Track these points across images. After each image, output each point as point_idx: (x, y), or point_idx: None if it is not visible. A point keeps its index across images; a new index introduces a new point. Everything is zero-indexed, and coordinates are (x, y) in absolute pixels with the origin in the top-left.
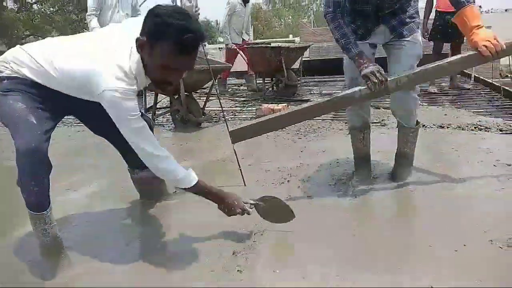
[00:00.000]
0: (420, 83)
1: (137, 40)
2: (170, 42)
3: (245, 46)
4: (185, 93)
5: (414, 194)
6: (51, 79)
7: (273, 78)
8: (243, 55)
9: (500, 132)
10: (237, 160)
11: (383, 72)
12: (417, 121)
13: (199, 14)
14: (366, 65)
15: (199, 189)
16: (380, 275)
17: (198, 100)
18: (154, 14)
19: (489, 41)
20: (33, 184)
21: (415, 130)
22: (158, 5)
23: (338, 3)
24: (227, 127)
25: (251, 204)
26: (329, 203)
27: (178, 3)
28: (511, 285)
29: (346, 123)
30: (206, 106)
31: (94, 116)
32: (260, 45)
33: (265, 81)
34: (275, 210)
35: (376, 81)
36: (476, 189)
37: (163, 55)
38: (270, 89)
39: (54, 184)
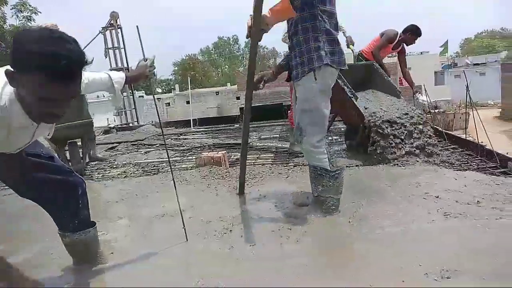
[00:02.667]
0: None
1: (6, 73)
2: (38, 72)
3: None
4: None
5: (352, 232)
6: None
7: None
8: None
9: (426, 164)
10: (182, 218)
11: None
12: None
13: (154, 73)
14: None
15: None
16: None
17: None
18: (18, 43)
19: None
20: None
21: (320, 171)
22: (22, 31)
23: None
24: (173, 178)
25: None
26: (271, 249)
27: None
28: None
29: (285, 166)
30: (147, 157)
31: (13, 177)
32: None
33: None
34: None
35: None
36: (409, 223)
37: (35, 86)
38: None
39: None
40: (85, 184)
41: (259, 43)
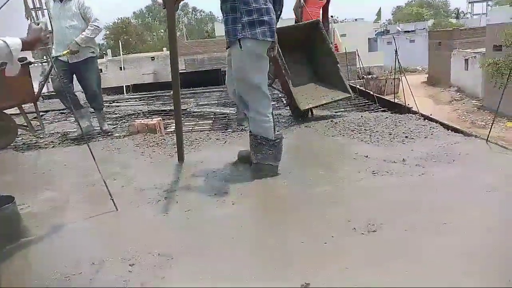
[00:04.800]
0: None
1: None
2: None
3: None
4: None
5: (286, 193)
6: None
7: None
8: None
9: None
10: (106, 186)
11: None
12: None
13: (48, 37)
14: None
15: None
16: (258, 281)
17: None
18: None
19: None
20: None
21: (260, 139)
22: None
23: None
24: (90, 151)
25: None
26: (207, 214)
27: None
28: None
29: (223, 132)
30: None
31: None
32: None
33: None
34: None
35: None
36: (339, 182)
37: None
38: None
39: None
40: None
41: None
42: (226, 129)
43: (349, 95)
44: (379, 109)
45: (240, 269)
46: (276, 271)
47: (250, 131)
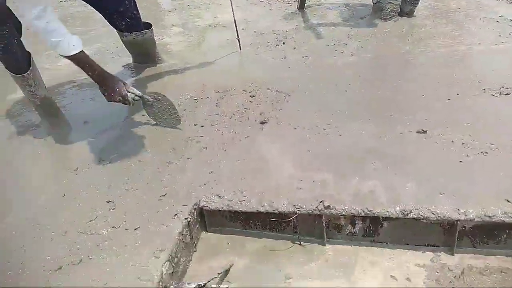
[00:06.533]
0: None
1: None
2: None
3: None
4: None
5: (412, 48)
6: None
7: None
8: None
9: None
10: (236, 27)
11: None
12: None
13: None
14: None
15: (80, 60)
16: (371, 122)
17: None
18: None
19: None
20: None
21: None
22: None
23: None
24: None
25: (136, 95)
26: (324, 62)
27: None
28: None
29: None
30: None
31: None
32: None
33: None
34: (162, 111)
35: None
36: (474, 44)
37: None
38: None
39: (43, 52)
40: None
41: None
42: None
43: None
44: None
45: (355, 113)
46: (391, 117)
47: None
